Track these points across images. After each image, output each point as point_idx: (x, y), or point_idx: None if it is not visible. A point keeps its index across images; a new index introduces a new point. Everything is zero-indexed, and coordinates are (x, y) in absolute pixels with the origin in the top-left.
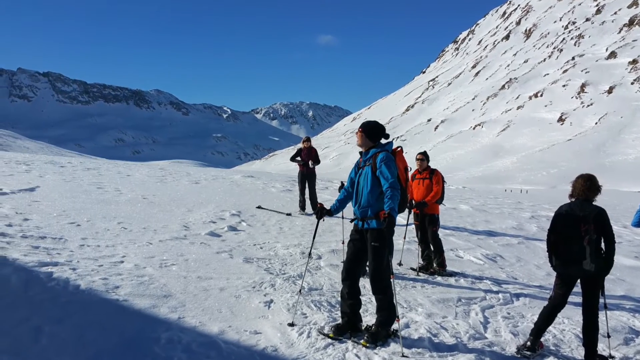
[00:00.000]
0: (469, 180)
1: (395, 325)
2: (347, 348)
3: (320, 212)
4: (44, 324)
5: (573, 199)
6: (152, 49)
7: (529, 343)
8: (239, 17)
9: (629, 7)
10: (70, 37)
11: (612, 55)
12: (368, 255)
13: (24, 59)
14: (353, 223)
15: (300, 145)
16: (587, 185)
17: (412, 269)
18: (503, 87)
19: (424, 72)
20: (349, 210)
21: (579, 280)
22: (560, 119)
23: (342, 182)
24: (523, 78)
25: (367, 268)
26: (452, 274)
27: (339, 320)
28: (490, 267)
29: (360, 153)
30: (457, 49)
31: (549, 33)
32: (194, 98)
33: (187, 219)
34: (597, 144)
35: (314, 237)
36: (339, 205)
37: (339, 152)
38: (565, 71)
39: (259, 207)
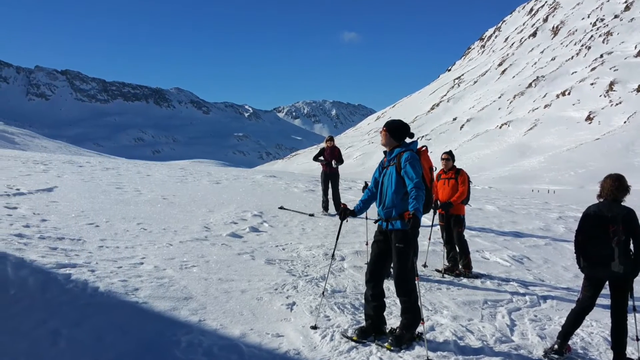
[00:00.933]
0: (495, 180)
1: (420, 328)
2: (371, 351)
3: (344, 212)
4: (62, 327)
5: (601, 200)
6: (173, 47)
7: (556, 346)
8: (261, 14)
9: None
10: (89, 35)
11: None
12: (392, 256)
13: (42, 57)
14: (377, 224)
15: (323, 145)
16: (615, 186)
17: (438, 270)
18: (530, 85)
19: (450, 70)
20: (373, 210)
21: (607, 282)
22: (588, 118)
23: (365, 182)
24: (550, 76)
25: (391, 270)
26: (478, 276)
27: (363, 323)
28: (516, 269)
29: (385, 152)
30: (483, 46)
31: (576, 30)
32: (214, 96)
33: (208, 219)
34: (626, 143)
35: (337, 239)
36: (363, 206)
37: (362, 151)
38: (593, 69)
39: (281, 208)
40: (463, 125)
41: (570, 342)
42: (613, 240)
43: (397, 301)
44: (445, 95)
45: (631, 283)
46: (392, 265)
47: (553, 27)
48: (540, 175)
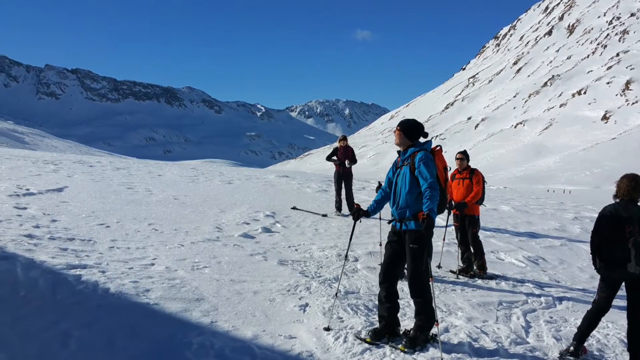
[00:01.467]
0: (510, 180)
1: (434, 330)
2: (384, 353)
3: (357, 213)
4: (72, 329)
5: (617, 200)
6: (184, 45)
7: (572, 348)
8: (274, 12)
9: None
10: (100, 33)
11: None
12: (406, 257)
13: (52, 56)
14: (391, 224)
15: (336, 144)
16: (632, 186)
17: (452, 271)
18: (545, 84)
19: (464, 69)
20: (387, 211)
21: (623, 283)
22: (605, 117)
23: (379, 182)
24: (566, 75)
25: (405, 271)
26: (492, 277)
27: (376, 325)
28: (532, 270)
29: (398, 152)
30: (498, 45)
31: (592, 28)
32: (227, 95)
33: (219, 220)
34: None
35: (350, 239)
36: (377, 206)
37: (376, 151)
38: (609, 68)
39: (293, 208)
40: (478, 124)
41: (586, 344)
42: (629, 241)
43: (411, 302)
44: (459, 94)
45: None
46: (406, 266)
47: (569, 26)
48: (555, 175)
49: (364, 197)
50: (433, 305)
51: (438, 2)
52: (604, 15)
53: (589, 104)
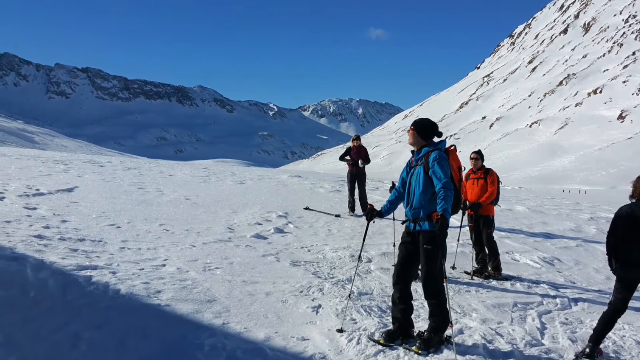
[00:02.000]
0: (525, 180)
1: (448, 331)
2: (398, 355)
3: (371, 213)
4: (82, 330)
5: (633, 200)
6: (195, 44)
7: (587, 350)
8: (286, 10)
9: None
10: (110, 31)
11: None
12: (420, 258)
13: (62, 54)
14: (404, 225)
15: (349, 144)
16: None
17: (466, 272)
18: (561, 83)
19: (479, 68)
20: (401, 211)
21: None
22: (621, 117)
23: (393, 182)
24: (582, 74)
25: (419, 272)
26: (507, 278)
27: (390, 326)
28: (547, 271)
29: (412, 152)
30: (513, 43)
31: (608, 27)
32: (239, 95)
33: (231, 220)
34: None
35: (363, 240)
36: (390, 207)
37: (389, 151)
38: (625, 67)
39: (306, 209)
40: (492, 124)
41: (602, 346)
42: None
43: (425, 304)
44: (474, 93)
45: None
46: (420, 267)
47: (584, 24)
48: (571, 175)
49: (378, 197)
50: (447, 306)
51: (453, 0)
52: (620, 13)
53: (605, 103)
